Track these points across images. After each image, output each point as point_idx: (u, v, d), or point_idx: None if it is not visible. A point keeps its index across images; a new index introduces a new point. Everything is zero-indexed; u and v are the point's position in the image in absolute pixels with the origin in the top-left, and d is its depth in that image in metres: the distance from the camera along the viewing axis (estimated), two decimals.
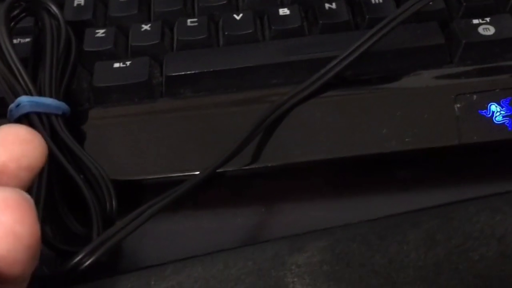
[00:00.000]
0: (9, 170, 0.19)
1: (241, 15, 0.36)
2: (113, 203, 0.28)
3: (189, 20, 0.36)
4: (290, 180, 0.33)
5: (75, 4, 0.37)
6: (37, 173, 0.19)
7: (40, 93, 0.30)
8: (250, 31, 0.35)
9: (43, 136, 0.27)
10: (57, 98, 0.31)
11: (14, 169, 0.19)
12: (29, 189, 0.20)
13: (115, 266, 0.31)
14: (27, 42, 0.35)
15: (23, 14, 0.33)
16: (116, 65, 0.34)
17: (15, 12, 0.32)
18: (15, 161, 0.19)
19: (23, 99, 0.29)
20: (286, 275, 0.25)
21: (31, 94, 0.30)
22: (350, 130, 0.32)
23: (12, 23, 0.32)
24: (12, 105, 0.30)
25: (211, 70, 0.34)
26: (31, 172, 0.19)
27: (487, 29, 0.34)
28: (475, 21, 0.35)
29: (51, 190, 0.29)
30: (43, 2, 0.32)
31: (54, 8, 0.32)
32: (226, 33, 0.36)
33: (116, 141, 0.33)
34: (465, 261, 0.26)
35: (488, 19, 0.35)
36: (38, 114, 0.29)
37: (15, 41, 0.33)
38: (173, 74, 0.34)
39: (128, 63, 0.34)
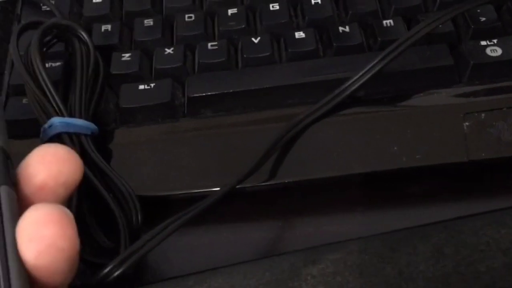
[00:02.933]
0: (48, 187, 0.20)
1: (259, 38, 0.38)
2: (139, 217, 0.30)
3: (209, 44, 0.38)
4: (305, 195, 0.34)
5: (102, 30, 0.39)
6: (74, 189, 0.21)
7: (71, 114, 0.32)
8: (268, 53, 0.37)
9: None
10: (86, 118, 0.33)
11: (52, 186, 0.20)
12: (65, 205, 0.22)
13: (140, 278, 0.32)
14: (58, 65, 0.37)
15: (55, 40, 0.35)
16: (141, 87, 0.36)
17: (48, 38, 0.34)
18: (53, 179, 0.20)
19: (55, 120, 0.31)
20: (301, 286, 0.27)
21: (63, 115, 0.32)
22: (363, 148, 0.34)
23: (44, 49, 0.34)
24: (45, 126, 0.32)
25: (231, 91, 0.36)
26: (68, 189, 0.21)
27: (494, 50, 0.36)
28: (483, 43, 0.36)
29: (81, 206, 0.31)
30: (74, 29, 0.34)
31: (84, 35, 0.34)
32: (244, 55, 0.37)
33: (141, 159, 0.35)
34: (472, 272, 0.27)
35: (495, 41, 0.36)
36: (69, 134, 0.31)
37: (46, 65, 0.36)
38: (195, 95, 0.36)
39: (152, 85, 0.36)
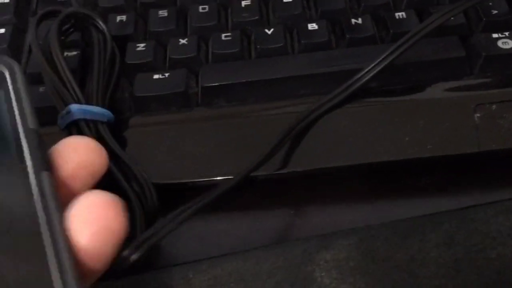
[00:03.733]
0: (79, 175, 0.21)
1: (272, 29, 0.38)
2: (155, 204, 0.30)
3: (223, 35, 0.39)
4: (317, 184, 0.35)
5: (117, 20, 0.39)
6: (99, 180, 0.22)
7: (88, 102, 0.33)
8: (281, 44, 0.38)
9: None
10: (103, 106, 0.33)
11: (83, 175, 0.21)
12: None
13: (154, 264, 0.33)
14: (74, 55, 0.37)
15: (72, 29, 0.35)
16: (156, 76, 0.37)
17: (66, 27, 0.35)
18: (84, 168, 0.21)
19: (73, 106, 0.32)
20: (314, 270, 0.27)
21: (80, 102, 0.32)
22: (375, 138, 0.34)
23: (62, 37, 0.35)
24: (62, 112, 0.32)
25: (244, 81, 0.36)
26: (95, 179, 0.21)
27: (506, 43, 0.36)
28: (495, 35, 0.36)
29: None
30: (92, 18, 0.34)
31: (101, 24, 0.35)
32: (258, 46, 0.38)
33: (155, 147, 0.35)
34: (483, 258, 0.27)
35: (507, 33, 0.36)
36: (86, 121, 0.32)
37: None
38: (208, 84, 0.36)
39: (166, 74, 0.37)
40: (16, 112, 0.22)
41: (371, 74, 0.35)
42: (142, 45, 0.38)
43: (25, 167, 0.20)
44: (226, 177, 0.34)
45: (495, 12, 0.37)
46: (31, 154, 0.21)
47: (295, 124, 0.34)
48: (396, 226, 0.29)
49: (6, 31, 0.39)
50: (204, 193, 0.32)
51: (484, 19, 0.37)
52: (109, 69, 0.35)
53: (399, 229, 0.29)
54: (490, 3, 0.38)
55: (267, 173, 0.34)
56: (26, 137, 0.21)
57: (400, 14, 0.38)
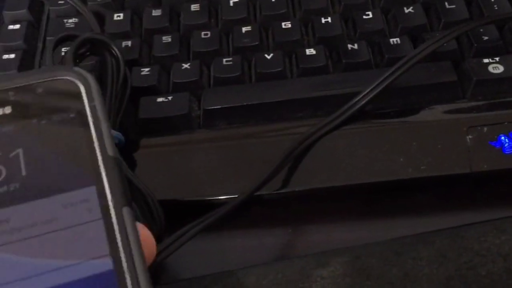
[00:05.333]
0: None
1: (271, 54, 0.40)
2: (162, 221, 0.32)
3: (224, 59, 0.40)
4: (315, 203, 0.36)
5: (123, 45, 0.41)
6: None
7: None
8: (280, 69, 0.39)
9: None
10: (114, 129, 0.35)
11: None
12: None
13: (158, 279, 0.34)
14: None
15: (88, 53, 0.37)
16: (159, 99, 0.38)
17: (81, 51, 0.36)
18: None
19: None
20: (311, 286, 0.29)
21: None
22: (371, 159, 0.36)
23: (77, 61, 0.36)
24: None
25: (244, 104, 0.38)
26: None
27: (496, 68, 0.37)
28: (485, 60, 0.38)
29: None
30: (107, 44, 0.36)
31: (116, 50, 0.36)
32: (258, 70, 0.39)
33: (159, 168, 0.36)
34: (473, 276, 0.28)
35: (497, 59, 0.38)
36: None
37: None
38: (210, 107, 0.38)
39: (170, 97, 0.38)
40: (94, 137, 0.20)
41: (368, 98, 0.36)
42: (147, 69, 0.40)
43: (106, 201, 0.19)
44: (227, 197, 0.35)
45: (485, 38, 0.39)
46: (110, 187, 0.19)
47: (296, 146, 0.36)
48: (390, 244, 0.30)
49: (16, 56, 0.41)
50: (208, 212, 0.33)
51: (475, 45, 0.39)
52: (121, 93, 0.36)
53: (393, 247, 0.30)
54: (481, 30, 0.39)
55: (269, 192, 0.35)
56: (105, 166, 0.20)
57: (394, 40, 0.40)
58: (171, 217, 0.33)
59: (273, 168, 0.34)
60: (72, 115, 0.21)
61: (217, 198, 0.35)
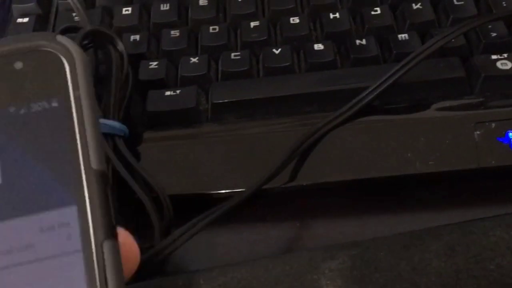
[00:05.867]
0: None
1: (279, 49, 0.40)
2: (171, 214, 0.32)
3: (232, 54, 0.40)
4: (322, 197, 0.36)
5: (131, 39, 0.41)
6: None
7: (105, 116, 0.34)
8: (288, 64, 0.39)
9: (108, 153, 0.32)
10: (118, 121, 0.35)
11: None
12: None
13: (166, 272, 0.34)
14: None
15: (91, 45, 0.37)
16: (167, 93, 0.38)
17: (85, 42, 0.36)
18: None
19: None
20: (320, 278, 0.29)
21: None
22: (378, 154, 0.36)
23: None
24: None
25: (252, 98, 0.38)
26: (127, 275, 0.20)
27: (505, 64, 0.37)
28: (494, 57, 0.38)
29: (114, 205, 0.32)
30: (111, 37, 0.36)
31: (120, 43, 0.36)
32: (265, 65, 0.39)
33: (167, 161, 0.36)
34: (482, 269, 0.28)
35: (505, 55, 0.38)
36: (104, 135, 0.33)
37: None
38: (218, 101, 0.38)
39: (178, 91, 0.38)
40: (78, 143, 0.17)
41: (376, 93, 0.36)
42: (155, 63, 0.40)
43: (87, 228, 0.17)
44: (234, 190, 0.35)
45: (494, 34, 0.39)
46: (92, 214, 0.17)
47: (304, 140, 0.36)
48: (398, 238, 0.30)
49: None
50: (215, 205, 0.33)
51: (484, 41, 0.39)
52: (124, 86, 0.36)
53: (401, 241, 0.30)
54: (489, 26, 0.39)
55: (277, 186, 0.35)
56: (88, 183, 0.17)
57: (402, 36, 0.40)
58: (179, 211, 0.33)
59: (281, 162, 0.34)
60: (52, 105, 0.17)
61: (224, 191, 0.35)
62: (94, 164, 0.17)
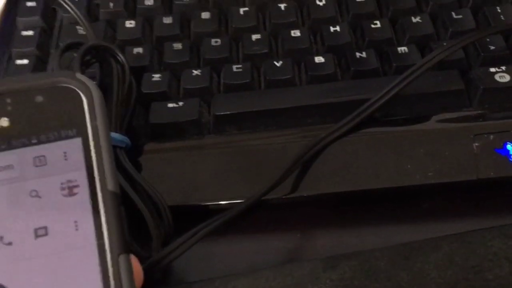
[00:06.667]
0: None
1: (281, 62, 0.40)
2: (170, 225, 0.32)
3: (234, 66, 0.41)
4: (323, 208, 0.36)
5: (134, 52, 0.42)
6: None
7: None
8: (289, 76, 0.40)
9: None
10: (121, 133, 0.35)
11: None
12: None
13: (167, 283, 0.34)
14: None
15: (93, 60, 0.37)
16: (170, 105, 0.39)
17: (87, 58, 0.37)
18: None
19: None
20: None
21: None
22: (378, 165, 0.36)
23: (84, 67, 0.37)
24: None
25: (254, 110, 0.38)
26: None
27: (503, 77, 0.38)
28: (492, 70, 0.38)
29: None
30: (112, 51, 0.37)
31: (121, 56, 0.37)
32: (267, 77, 0.40)
33: (170, 172, 0.37)
34: (480, 280, 0.29)
35: (504, 68, 0.38)
36: None
37: None
38: (220, 113, 0.38)
39: (180, 103, 0.39)
40: (95, 164, 0.19)
41: (377, 105, 0.37)
42: (158, 75, 0.40)
43: (102, 244, 0.18)
44: (236, 201, 0.35)
45: (492, 47, 0.39)
46: (109, 229, 0.19)
47: (305, 152, 0.36)
48: (398, 249, 0.31)
49: (29, 61, 0.41)
50: (215, 215, 0.33)
51: (482, 54, 0.39)
52: (127, 98, 0.37)
53: (401, 251, 0.31)
54: (488, 40, 0.40)
55: (277, 197, 0.35)
56: (105, 203, 0.19)
57: (402, 49, 0.40)
58: (180, 221, 0.33)
59: (282, 173, 0.35)
60: (72, 132, 0.19)
61: (225, 203, 0.35)
62: (110, 186, 0.19)
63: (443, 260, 0.29)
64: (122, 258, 0.18)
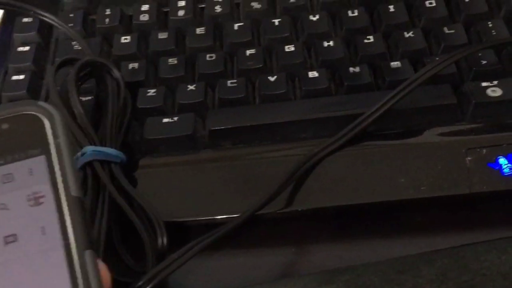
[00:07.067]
0: None
1: (275, 77, 0.41)
2: (165, 240, 0.32)
3: (229, 81, 0.41)
4: (317, 222, 0.36)
5: (130, 67, 0.42)
6: None
7: (102, 144, 0.35)
8: (283, 91, 0.40)
9: (104, 180, 0.32)
10: (116, 148, 0.35)
11: None
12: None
13: None
14: (88, 100, 0.40)
15: (88, 76, 0.38)
16: (165, 120, 0.39)
17: (82, 74, 0.37)
18: None
19: (89, 148, 0.34)
20: None
21: (95, 144, 0.34)
22: (372, 179, 0.36)
23: (79, 83, 0.37)
24: (78, 154, 0.34)
25: (248, 125, 0.39)
26: None
27: (494, 91, 0.38)
28: (484, 84, 0.39)
29: (110, 230, 0.33)
30: (107, 67, 0.37)
31: (116, 72, 0.37)
32: (262, 92, 0.40)
33: (165, 187, 0.37)
34: None
35: (495, 82, 0.39)
36: (100, 162, 0.34)
37: None
38: (215, 128, 0.39)
39: (175, 118, 0.39)
40: (58, 175, 0.22)
41: (370, 119, 0.37)
42: (153, 90, 0.41)
43: (68, 243, 0.20)
44: (231, 216, 0.35)
45: (484, 62, 0.40)
46: (73, 228, 0.21)
47: (299, 166, 0.36)
48: (391, 263, 0.31)
49: (25, 77, 0.41)
50: (210, 230, 0.34)
51: (474, 68, 0.40)
52: (122, 113, 0.37)
53: (395, 266, 0.31)
54: (480, 54, 0.40)
55: (272, 211, 0.36)
56: (69, 207, 0.21)
57: (395, 64, 0.41)
58: (175, 236, 0.34)
59: (276, 188, 0.35)
60: (36, 152, 0.22)
61: (221, 217, 0.36)
62: (73, 192, 0.21)
63: (436, 275, 0.30)
64: (87, 254, 0.20)
